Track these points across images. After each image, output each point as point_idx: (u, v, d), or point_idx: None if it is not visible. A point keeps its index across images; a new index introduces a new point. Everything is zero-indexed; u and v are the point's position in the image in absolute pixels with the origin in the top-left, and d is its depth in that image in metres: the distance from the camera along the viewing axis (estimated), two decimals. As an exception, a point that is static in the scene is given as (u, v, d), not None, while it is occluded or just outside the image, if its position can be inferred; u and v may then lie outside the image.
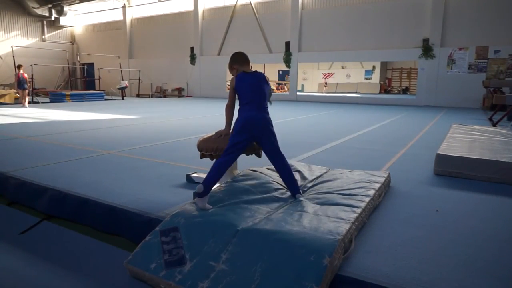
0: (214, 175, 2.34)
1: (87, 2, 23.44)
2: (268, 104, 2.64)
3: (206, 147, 2.75)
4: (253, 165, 3.24)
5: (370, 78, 28.30)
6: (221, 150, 2.64)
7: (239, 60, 2.66)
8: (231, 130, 2.60)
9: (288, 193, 2.59)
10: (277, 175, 2.83)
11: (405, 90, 25.88)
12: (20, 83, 12.55)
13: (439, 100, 14.62)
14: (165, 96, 22.06)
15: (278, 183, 2.75)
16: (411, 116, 10.04)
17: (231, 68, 2.68)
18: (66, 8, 24.45)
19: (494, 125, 7.52)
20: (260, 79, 2.59)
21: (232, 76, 2.65)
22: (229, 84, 2.67)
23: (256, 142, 2.58)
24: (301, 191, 2.62)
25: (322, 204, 2.39)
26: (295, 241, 1.81)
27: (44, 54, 23.83)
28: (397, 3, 15.25)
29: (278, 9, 18.40)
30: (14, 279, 2.02)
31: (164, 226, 2.08)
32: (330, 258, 1.66)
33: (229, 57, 2.71)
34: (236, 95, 2.61)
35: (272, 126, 2.57)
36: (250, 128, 2.46)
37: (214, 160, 2.63)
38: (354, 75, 29.00)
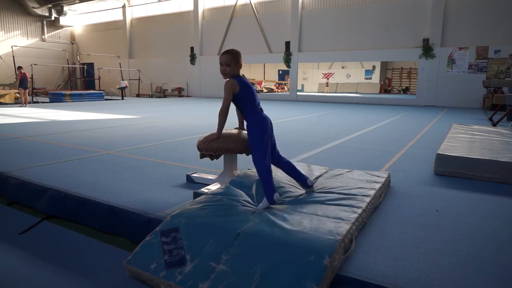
0: (268, 178, 2.37)
1: (87, 2, 23.45)
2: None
3: (206, 147, 2.75)
4: (253, 166, 3.23)
5: (370, 78, 28.30)
6: (221, 150, 2.64)
7: (240, 60, 2.50)
8: (247, 131, 2.53)
9: (288, 194, 2.59)
10: (275, 174, 2.83)
11: (405, 90, 25.89)
12: (22, 82, 12.74)
13: (439, 100, 14.62)
14: (165, 96, 22.05)
15: (277, 184, 2.74)
16: (411, 116, 10.03)
17: (234, 64, 2.44)
18: (66, 8, 24.47)
19: (494, 125, 7.52)
20: None
21: (226, 80, 2.45)
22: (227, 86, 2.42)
23: None
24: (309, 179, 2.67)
25: (322, 204, 2.39)
26: (295, 242, 1.81)
27: (44, 54, 23.82)
28: (397, 3, 15.25)
29: (278, 9, 18.39)
30: (14, 279, 2.02)
31: (164, 227, 2.08)
32: (330, 259, 1.66)
33: None
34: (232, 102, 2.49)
35: None
36: (269, 131, 2.50)
37: (214, 159, 2.62)
38: (354, 75, 29.00)
